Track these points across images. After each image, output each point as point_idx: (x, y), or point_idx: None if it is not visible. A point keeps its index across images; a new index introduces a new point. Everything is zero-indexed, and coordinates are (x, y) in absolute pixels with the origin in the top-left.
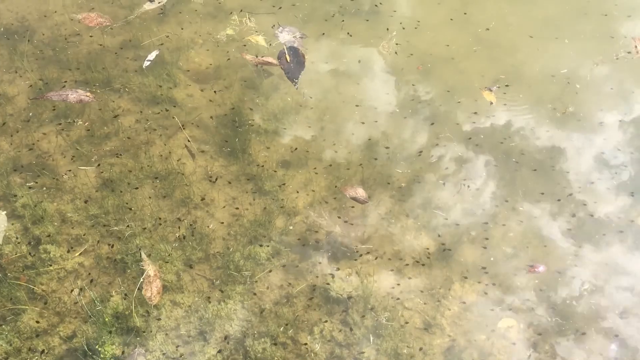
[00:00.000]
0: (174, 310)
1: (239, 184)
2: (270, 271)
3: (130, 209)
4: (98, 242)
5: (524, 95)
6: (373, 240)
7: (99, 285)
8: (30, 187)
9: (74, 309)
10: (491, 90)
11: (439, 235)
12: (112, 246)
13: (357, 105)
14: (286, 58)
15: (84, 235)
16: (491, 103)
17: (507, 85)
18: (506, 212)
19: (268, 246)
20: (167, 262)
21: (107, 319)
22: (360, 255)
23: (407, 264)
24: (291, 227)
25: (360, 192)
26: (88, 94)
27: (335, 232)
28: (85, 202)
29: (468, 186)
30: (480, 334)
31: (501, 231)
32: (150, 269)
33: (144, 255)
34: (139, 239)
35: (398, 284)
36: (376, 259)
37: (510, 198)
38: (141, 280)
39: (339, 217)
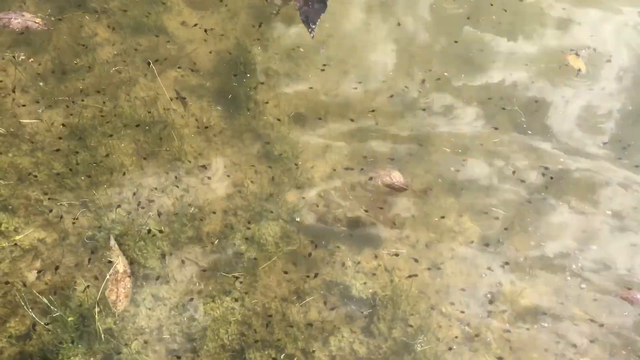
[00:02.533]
0: (155, 309)
1: (242, 144)
2: (276, 260)
3: (106, 170)
4: (64, 211)
5: None
6: (408, 225)
7: (63, 269)
8: None
9: (30, 298)
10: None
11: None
12: (76, 219)
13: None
14: None
15: (46, 200)
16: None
17: None
18: None
19: (275, 225)
20: (147, 242)
21: (70, 319)
22: (391, 243)
23: (449, 257)
24: (304, 204)
25: (397, 177)
26: (38, 20)
27: (359, 213)
28: (47, 154)
29: None
30: None
31: None
32: (119, 262)
33: (112, 242)
34: (115, 214)
35: (439, 278)
36: (412, 247)
37: None
38: (107, 277)
39: (365, 193)
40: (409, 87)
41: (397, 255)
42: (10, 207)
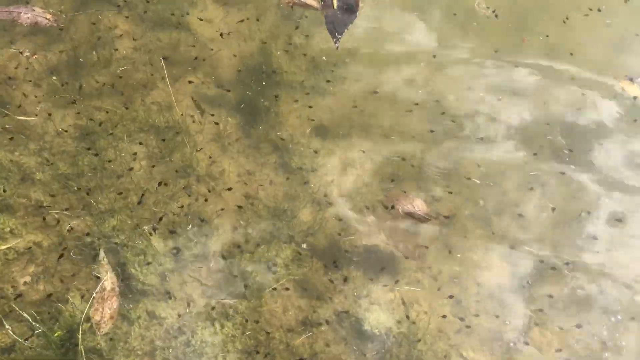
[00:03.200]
0: (150, 329)
1: (258, 154)
2: (284, 287)
3: (112, 174)
4: (65, 214)
5: None
6: (431, 256)
7: (57, 277)
8: None
9: (18, 306)
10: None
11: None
12: (77, 224)
13: (422, 92)
14: (332, 1)
15: (47, 202)
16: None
17: None
18: None
19: (286, 247)
20: (148, 256)
21: (57, 334)
22: (411, 274)
23: (474, 293)
24: (320, 224)
25: (420, 205)
26: (48, 15)
27: (377, 239)
28: (54, 155)
29: None
30: None
31: None
32: (107, 278)
33: (102, 255)
34: (117, 218)
35: (461, 319)
36: (434, 279)
37: None
38: (92, 295)
39: (387, 218)
40: (443, 106)
41: (416, 288)
42: (9, 207)
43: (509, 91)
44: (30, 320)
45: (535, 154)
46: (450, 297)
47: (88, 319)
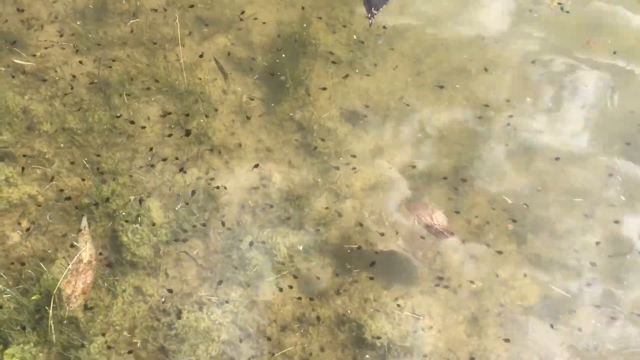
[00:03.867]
0: (134, 305)
1: (281, 132)
2: (286, 275)
3: (122, 133)
4: (66, 169)
5: None
6: (451, 267)
7: (48, 236)
8: None
9: (3, 262)
10: None
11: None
12: (78, 182)
13: (486, 70)
14: None
15: (50, 154)
16: None
17: None
18: None
19: (294, 235)
20: (144, 226)
21: (33, 297)
22: (436, 284)
23: (495, 313)
24: (335, 215)
25: (440, 219)
26: None
27: (395, 243)
28: (65, 105)
29: None
30: None
31: None
32: (86, 249)
33: (84, 223)
34: (121, 181)
35: (471, 338)
36: (454, 292)
37: None
38: (68, 267)
39: (411, 220)
40: (490, 105)
41: (430, 299)
42: (9, 155)
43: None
44: (9, 278)
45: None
46: (468, 316)
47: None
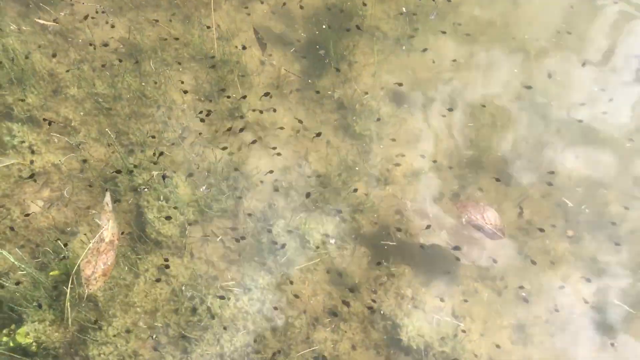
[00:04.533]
0: (156, 287)
1: (320, 110)
2: (317, 264)
3: (152, 102)
4: (92, 139)
5: None
6: (498, 265)
7: (70, 207)
8: (20, 29)
9: (23, 232)
10: None
11: None
12: (106, 152)
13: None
14: None
15: (76, 122)
16: None
17: None
18: None
19: (329, 222)
20: (170, 202)
21: (50, 274)
22: (470, 283)
23: (543, 320)
24: (372, 202)
25: (492, 218)
26: None
27: (439, 236)
28: (94, 70)
29: None
30: None
31: None
32: (108, 228)
33: (107, 199)
34: (146, 154)
35: (516, 346)
36: (498, 294)
37: None
38: (89, 246)
39: (455, 213)
40: (549, 93)
41: (473, 301)
42: (33, 120)
43: None
44: (27, 250)
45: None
46: (513, 321)
47: (70, 278)
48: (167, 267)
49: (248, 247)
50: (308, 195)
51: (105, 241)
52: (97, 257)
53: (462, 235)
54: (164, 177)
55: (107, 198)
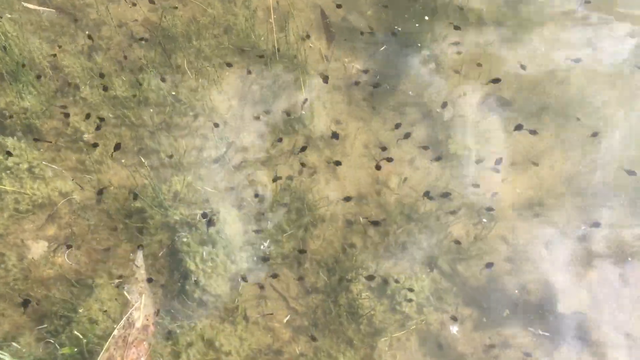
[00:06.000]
0: None
1: (400, 118)
2: (406, 338)
3: (186, 110)
4: (112, 158)
5: None
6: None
7: (85, 249)
8: None
9: (20, 288)
10: None
11: None
12: (134, 175)
13: None
14: None
15: (90, 133)
16: None
17: None
18: None
19: (422, 272)
20: (216, 248)
21: (62, 352)
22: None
23: None
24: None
25: None
26: None
27: (574, 299)
28: (109, 59)
29: None
30: None
31: None
32: (140, 307)
33: (139, 259)
34: (187, 180)
35: None
36: None
37: None
38: (112, 333)
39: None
40: None
41: None
42: (32, 128)
43: None
44: (23, 314)
45: None
46: None
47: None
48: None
49: (320, 307)
50: (392, 234)
51: (136, 326)
52: (123, 351)
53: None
54: (205, 216)
55: (139, 258)
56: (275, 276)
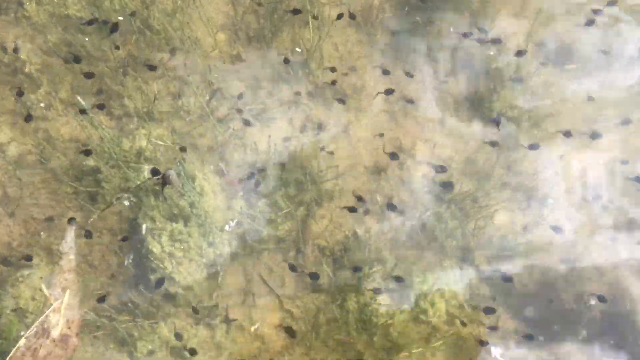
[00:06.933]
0: None
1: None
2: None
3: (161, 40)
4: (61, 99)
5: None
6: None
7: (19, 218)
8: None
9: None
10: None
11: None
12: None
13: None
14: None
15: (33, 65)
16: None
17: None
18: None
19: (453, 271)
20: (189, 226)
21: None
22: None
23: None
24: None
25: None
26: None
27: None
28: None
29: None
30: None
31: None
32: (61, 308)
33: (69, 239)
34: (155, 133)
35: None
36: None
37: None
38: (19, 343)
39: None
40: None
41: None
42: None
43: None
44: None
45: None
46: None
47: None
48: (192, 353)
49: (321, 312)
50: (411, 222)
51: (53, 336)
52: None
53: None
54: (155, 173)
55: (69, 238)
56: (260, 254)
